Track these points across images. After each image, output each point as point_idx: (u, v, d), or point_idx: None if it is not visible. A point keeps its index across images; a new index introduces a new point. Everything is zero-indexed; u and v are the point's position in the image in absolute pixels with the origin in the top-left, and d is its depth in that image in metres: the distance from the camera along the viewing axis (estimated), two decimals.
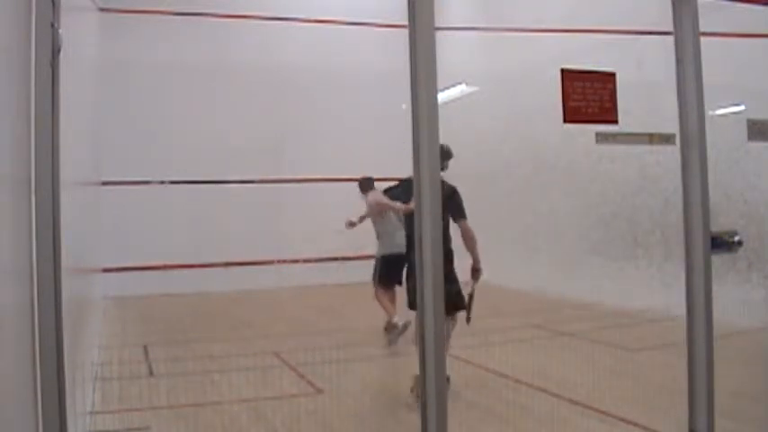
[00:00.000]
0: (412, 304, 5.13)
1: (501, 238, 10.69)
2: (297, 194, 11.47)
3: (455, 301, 4.88)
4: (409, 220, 5.63)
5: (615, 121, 3.14)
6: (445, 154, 5.39)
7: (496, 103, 10.84)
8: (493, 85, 11.08)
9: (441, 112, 2.63)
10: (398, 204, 6.29)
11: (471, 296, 5.10)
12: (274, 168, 11.50)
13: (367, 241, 11.31)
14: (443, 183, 5.68)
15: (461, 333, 5.09)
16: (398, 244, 6.58)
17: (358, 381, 5.53)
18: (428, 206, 2.63)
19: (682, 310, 3.34)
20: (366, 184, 7.30)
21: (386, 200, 6.69)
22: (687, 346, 3.29)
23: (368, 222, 7.36)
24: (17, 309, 1.95)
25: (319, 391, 5.32)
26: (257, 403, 4.91)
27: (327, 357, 6.45)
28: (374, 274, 7.16)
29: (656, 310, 5.85)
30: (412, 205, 4.73)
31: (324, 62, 11.17)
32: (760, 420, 4.18)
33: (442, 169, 5.52)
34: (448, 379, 5.38)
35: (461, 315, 5.03)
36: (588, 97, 3.08)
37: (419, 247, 2.68)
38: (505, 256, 10.49)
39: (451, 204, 5.16)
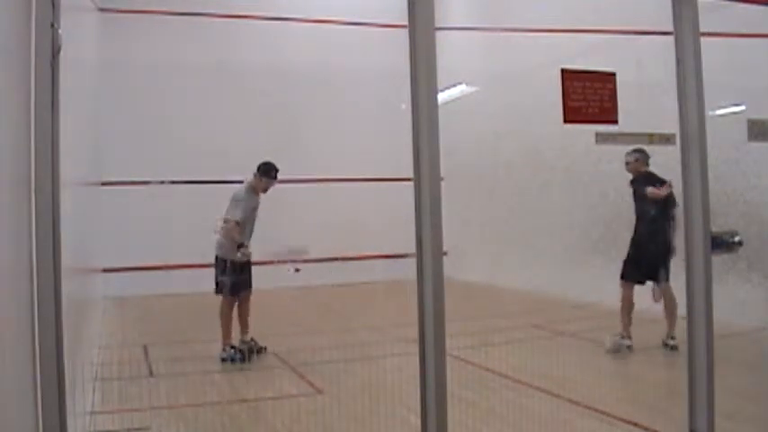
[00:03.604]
0: (625, 276, 6.04)
1: (501, 238, 10.69)
2: (296, 194, 11.45)
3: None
4: (657, 204, 5.97)
5: (615, 122, 3.15)
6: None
7: (496, 103, 10.83)
8: (493, 85, 11.08)
9: (441, 112, 2.63)
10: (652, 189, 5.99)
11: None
12: None
13: (367, 241, 11.37)
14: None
15: (461, 333, 5.09)
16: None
17: (358, 381, 5.52)
18: (428, 206, 2.62)
19: (682, 310, 3.34)
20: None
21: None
22: (687, 346, 3.29)
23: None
24: (17, 309, 1.95)
25: (319, 391, 5.32)
26: (257, 403, 4.90)
27: (327, 357, 6.45)
28: (221, 283, 6.56)
29: (657, 310, 5.84)
30: (663, 191, 5.53)
31: (324, 62, 11.16)
32: (760, 420, 4.18)
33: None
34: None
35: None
36: (588, 97, 3.08)
37: (419, 248, 2.67)
38: (505, 256, 10.49)
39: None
